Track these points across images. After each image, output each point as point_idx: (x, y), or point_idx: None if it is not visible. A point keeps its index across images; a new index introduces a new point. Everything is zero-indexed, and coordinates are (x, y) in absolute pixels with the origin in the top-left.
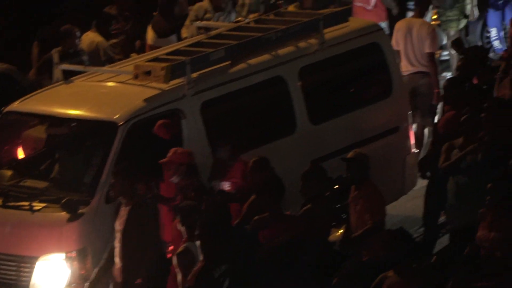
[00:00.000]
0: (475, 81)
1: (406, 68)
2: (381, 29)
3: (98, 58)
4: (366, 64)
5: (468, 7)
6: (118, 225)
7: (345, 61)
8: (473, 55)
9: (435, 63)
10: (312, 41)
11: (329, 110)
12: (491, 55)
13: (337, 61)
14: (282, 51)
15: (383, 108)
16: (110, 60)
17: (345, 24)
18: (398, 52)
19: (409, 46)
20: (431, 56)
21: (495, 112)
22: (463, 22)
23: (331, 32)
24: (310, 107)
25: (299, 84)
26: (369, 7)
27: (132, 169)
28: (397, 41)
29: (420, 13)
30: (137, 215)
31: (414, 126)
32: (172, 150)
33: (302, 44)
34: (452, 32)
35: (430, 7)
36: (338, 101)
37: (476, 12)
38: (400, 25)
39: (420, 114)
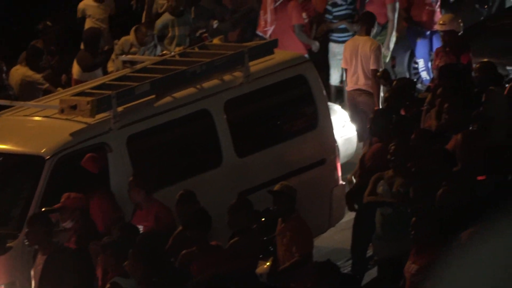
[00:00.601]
0: (402, 113)
1: (351, 85)
2: (307, 61)
3: (29, 92)
4: (292, 96)
5: (393, 39)
6: (34, 273)
7: (271, 93)
8: (401, 87)
9: (376, 80)
10: (237, 74)
11: (255, 143)
12: (419, 86)
13: (263, 93)
14: (207, 84)
15: (309, 140)
16: (45, 93)
17: (271, 56)
18: (347, 70)
19: (356, 64)
20: (374, 73)
21: (422, 144)
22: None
23: (256, 65)
24: (236, 140)
25: (225, 117)
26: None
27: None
28: (346, 60)
29: (366, 30)
30: (53, 265)
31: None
32: (65, 195)
33: (227, 77)
34: None
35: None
36: (264, 134)
37: (391, 45)
38: (348, 44)
39: (359, 130)
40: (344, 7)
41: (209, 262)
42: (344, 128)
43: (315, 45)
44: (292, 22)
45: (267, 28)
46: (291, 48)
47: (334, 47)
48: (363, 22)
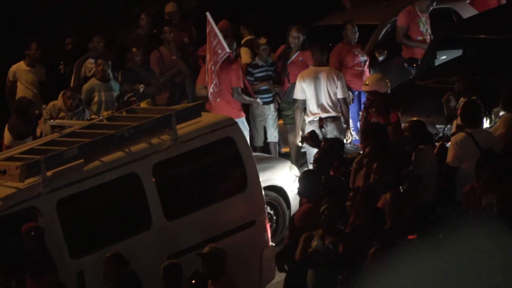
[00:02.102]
0: (331, 173)
1: (315, 112)
2: (235, 123)
3: None
4: (220, 159)
5: None
6: None
7: (199, 156)
8: (329, 147)
9: (348, 106)
10: (165, 137)
11: (185, 206)
12: (348, 146)
13: (191, 156)
14: (135, 147)
15: (238, 202)
16: None
17: (198, 119)
18: (302, 101)
19: (318, 92)
20: (344, 100)
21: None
22: None
23: (184, 128)
24: (165, 203)
25: (154, 180)
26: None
27: None
28: (303, 90)
29: (321, 62)
30: None
31: None
32: None
33: (155, 140)
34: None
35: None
36: (193, 196)
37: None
38: (305, 74)
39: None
40: (264, 69)
41: None
42: (295, 183)
43: (257, 103)
44: (232, 85)
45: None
46: (225, 111)
47: (255, 109)
48: (313, 53)
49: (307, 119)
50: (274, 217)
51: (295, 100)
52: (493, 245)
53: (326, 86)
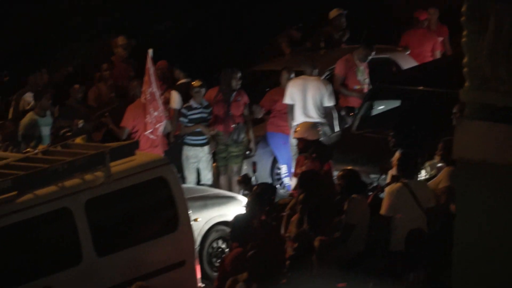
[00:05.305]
0: (263, 217)
1: (302, 119)
2: (168, 163)
3: None
4: (152, 198)
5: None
6: None
7: (131, 194)
8: (261, 192)
9: (333, 115)
10: (99, 174)
11: (115, 242)
12: (281, 191)
13: (123, 194)
14: (68, 182)
15: (168, 242)
16: None
17: (132, 157)
18: (291, 106)
19: (306, 100)
20: (332, 107)
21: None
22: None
23: (118, 166)
24: (96, 239)
25: (85, 216)
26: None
27: None
28: (292, 96)
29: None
30: None
31: None
32: None
33: (88, 176)
34: (235, 168)
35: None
36: (124, 234)
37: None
38: (295, 82)
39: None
40: (199, 111)
41: None
42: None
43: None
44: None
45: (159, 124)
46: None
47: (188, 150)
48: (308, 66)
49: (293, 123)
50: (226, 250)
51: (240, 141)
52: None
53: (314, 94)
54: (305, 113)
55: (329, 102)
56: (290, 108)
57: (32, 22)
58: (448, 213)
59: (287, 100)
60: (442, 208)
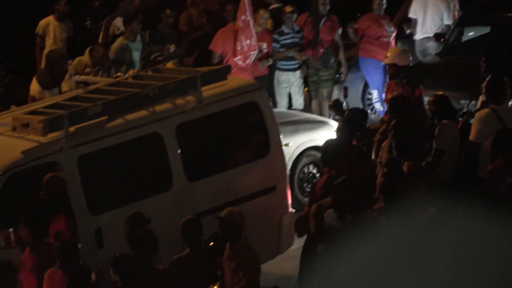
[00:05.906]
0: (354, 143)
1: (421, 33)
2: (260, 88)
3: None
4: (244, 123)
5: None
6: None
7: (223, 119)
8: (352, 117)
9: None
10: (190, 98)
11: (206, 168)
12: (372, 117)
13: (215, 119)
14: (159, 107)
15: (260, 167)
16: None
17: (224, 82)
18: (415, 20)
19: (425, 15)
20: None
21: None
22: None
23: (209, 90)
24: (187, 164)
25: (176, 141)
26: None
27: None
28: (415, 11)
29: None
30: None
31: None
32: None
33: (179, 101)
34: (325, 92)
35: None
36: (215, 159)
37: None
38: None
39: None
40: (290, 36)
41: (150, 283)
42: None
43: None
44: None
45: (251, 52)
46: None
47: (280, 75)
48: None
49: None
50: (317, 175)
51: (330, 66)
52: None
53: (433, 10)
54: (424, 27)
55: (448, 20)
56: (415, 22)
57: None
58: None
59: (411, 14)
60: None
